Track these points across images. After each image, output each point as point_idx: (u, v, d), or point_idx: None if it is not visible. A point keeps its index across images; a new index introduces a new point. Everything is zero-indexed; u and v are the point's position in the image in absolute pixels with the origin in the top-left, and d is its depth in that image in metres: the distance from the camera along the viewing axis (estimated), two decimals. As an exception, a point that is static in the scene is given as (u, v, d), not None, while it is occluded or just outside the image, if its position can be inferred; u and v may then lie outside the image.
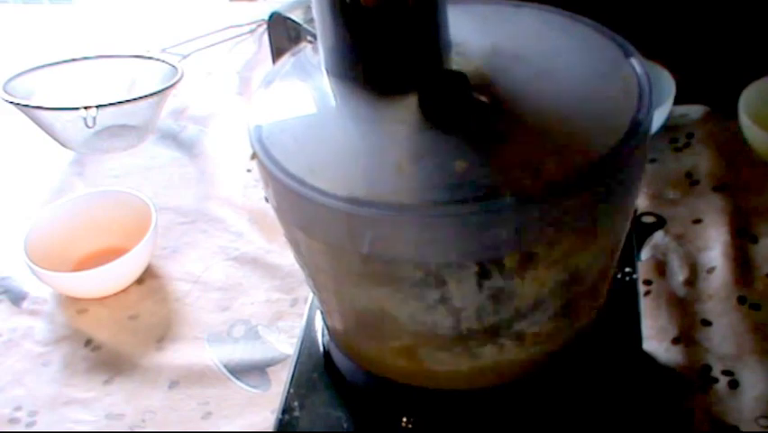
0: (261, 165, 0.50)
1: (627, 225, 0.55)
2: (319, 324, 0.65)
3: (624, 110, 0.49)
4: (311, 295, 0.67)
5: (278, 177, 0.49)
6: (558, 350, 0.56)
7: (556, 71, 0.53)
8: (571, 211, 0.47)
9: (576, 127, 0.49)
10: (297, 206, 0.50)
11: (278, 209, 0.53)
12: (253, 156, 0.52)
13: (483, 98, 0.50)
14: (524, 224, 0.46)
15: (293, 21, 0.56)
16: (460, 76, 0.50)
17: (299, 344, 0.64)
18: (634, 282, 0.66)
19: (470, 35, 0.55)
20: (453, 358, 0.53)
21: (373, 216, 0.47)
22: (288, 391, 0.60)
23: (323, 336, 0.64)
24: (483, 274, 0.48)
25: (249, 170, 0.95)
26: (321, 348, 0.64)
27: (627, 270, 0.67)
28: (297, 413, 0.59)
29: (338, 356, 0.61)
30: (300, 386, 0.61)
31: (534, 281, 0.49)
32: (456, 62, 0.53)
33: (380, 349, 0.55)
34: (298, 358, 0.63)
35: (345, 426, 0.58)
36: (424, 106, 0.49)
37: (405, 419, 0.57)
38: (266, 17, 0.79)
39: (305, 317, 0.67)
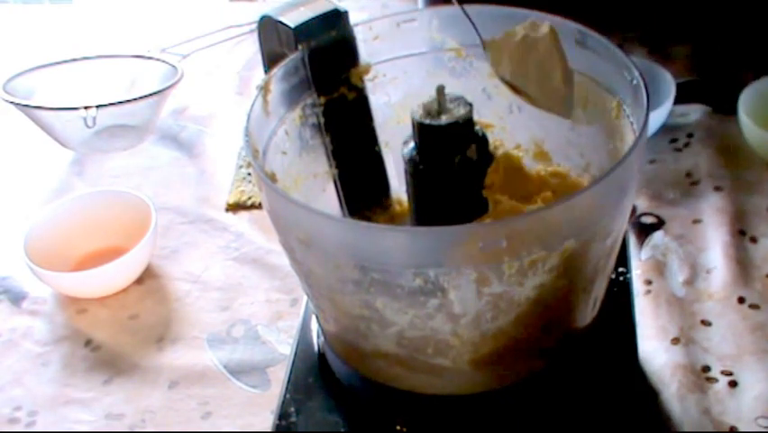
0: (256, 172, 0.50)
1: (625, 226, 0.55)
2: (314, 327, 0.65)
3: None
4: (306, 298, 0.67)
5: (272, 184, 0.49)
6: (554, 354, 0.56)
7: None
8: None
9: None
10: (292, 213, 0.50)
11: (271, 214, 0.53)
12: (248, 165, 0.52)
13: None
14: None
15: (284, 24, 0.56)
16: None
17: (295, 347, 0.64)
18: (628, 283, 0.66)
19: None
20: (449, 363, 0.53)
21: (369, 225, 0.47)
22: (285, 397, 0.60)
23: (318, 338, 0.64)
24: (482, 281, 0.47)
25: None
26: (316, 351, 0.64)
27: (621, 270, 0.66)
28: (293, 418, 0.59)
29: (333, 360, 0.61)
30: (297, 391, 0.61)
31: (532, 287, 0.49)
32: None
33: (375, 354, 0.55)
34: (294, 362, 0.63)
35: (342, 431, 0.58)
36: None
37: (399, 426, 0.57)
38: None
39: (300, 320, 0.67)
